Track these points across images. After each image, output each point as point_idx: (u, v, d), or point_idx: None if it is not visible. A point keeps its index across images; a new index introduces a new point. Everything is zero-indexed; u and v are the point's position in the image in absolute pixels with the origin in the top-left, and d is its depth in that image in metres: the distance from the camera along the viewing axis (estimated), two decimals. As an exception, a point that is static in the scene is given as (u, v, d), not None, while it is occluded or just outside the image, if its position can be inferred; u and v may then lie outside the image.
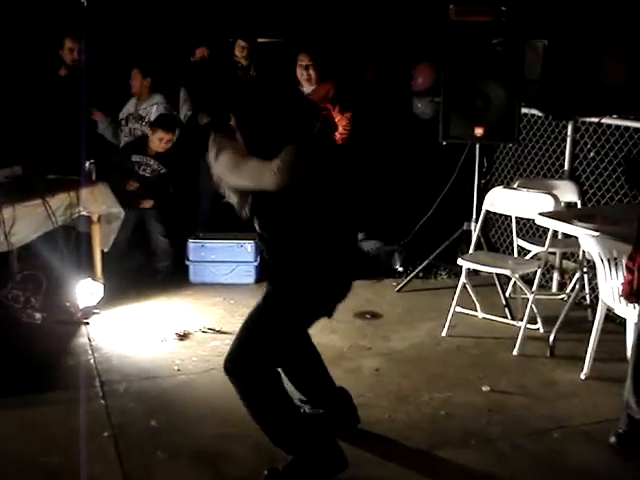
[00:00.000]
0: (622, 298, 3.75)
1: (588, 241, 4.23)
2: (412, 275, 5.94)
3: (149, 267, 6.07)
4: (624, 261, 3.82)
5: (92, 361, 4.58)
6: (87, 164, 5.38)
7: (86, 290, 5.28)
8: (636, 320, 3.94)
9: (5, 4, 6.09)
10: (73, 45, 5.99)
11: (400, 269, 6.24)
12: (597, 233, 4.15)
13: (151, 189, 5.98)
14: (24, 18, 6.15)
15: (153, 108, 6.14)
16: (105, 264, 5.52)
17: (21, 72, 5.99)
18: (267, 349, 3.30)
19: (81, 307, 5.22)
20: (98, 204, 5.40)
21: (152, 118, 6.10)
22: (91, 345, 4.80)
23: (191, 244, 5.99)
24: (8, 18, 6.14)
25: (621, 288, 3.69)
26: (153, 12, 6.55)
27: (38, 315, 5.03)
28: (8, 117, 5.80)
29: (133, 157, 5.98)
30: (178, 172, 6.11)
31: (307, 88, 5.95)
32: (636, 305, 3.88)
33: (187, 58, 6.34)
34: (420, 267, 5.95)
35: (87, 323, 5.12)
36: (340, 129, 5.86)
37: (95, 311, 5.27)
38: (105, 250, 5.54)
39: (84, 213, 5.32)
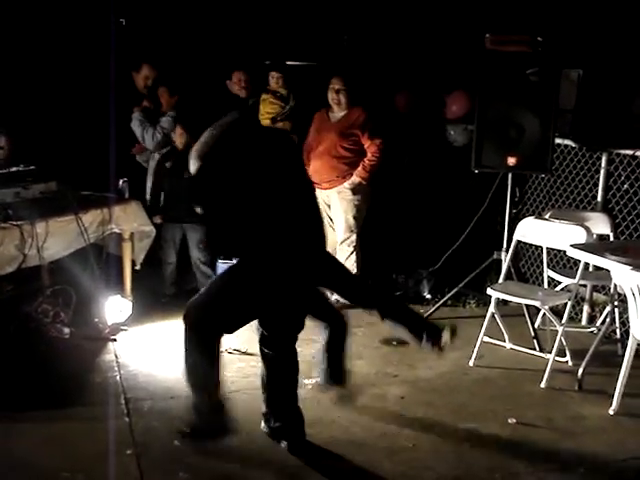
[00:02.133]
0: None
1: (620, 274, 4.18)
2: (440, 303, 5.90)
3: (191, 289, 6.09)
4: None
5: (118, 378, 4.60)
6: (120, 182, 5.44)
7: (115, 307, 5.31)
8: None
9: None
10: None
11: (428, 296, 6.21)
12: (629, 266, 4.10)
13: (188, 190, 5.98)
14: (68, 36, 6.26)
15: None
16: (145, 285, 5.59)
17: (64, 86, 6.08)
18: (224, 310, 3.72)
19: (109, 324, 5.26)
20: (130, 222, 5.45)
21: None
22: (117, 362, 4.83)
23: (220, 264, 5.99)
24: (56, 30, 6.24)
25: None
26: (188, 33, 6.62)
27: (66, 330, 5.08)
28: (46, 132, 5.89)
29: (166, 164, 6.01)
30: None
31: (337, 112, 5.98)
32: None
33: (222, 80, 6.38)
34: (449, 295, 5.91)
35: (114, 340, 5.15)
36: (369, 155, 5.87)
37: (123, 328, 5.30)
38: (137, 267, 5.59)
39: (116, 230, 5.37)
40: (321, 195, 5.98)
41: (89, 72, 6.19)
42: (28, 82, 6.04)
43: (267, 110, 6.19)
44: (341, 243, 6.01)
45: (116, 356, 4.92)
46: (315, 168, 5.96)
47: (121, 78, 5.99)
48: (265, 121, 6.13)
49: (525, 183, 6.34)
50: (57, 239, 4.91)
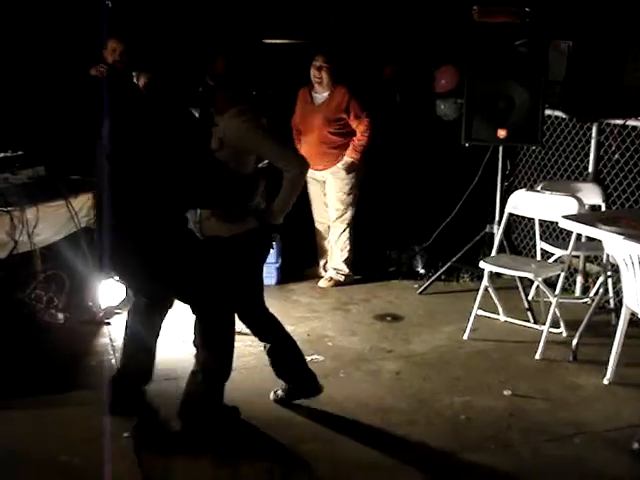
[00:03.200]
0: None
1: (612, 244, 4.18)
2: (434, 277, 5.92)
3: None
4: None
5: (114, 361, 4.60)
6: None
7: (108, 290, 5.30)
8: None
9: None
10: (116, 46, 6.00)
11: (422, 271, 6.22)
12: (621, 236, 4.11)
13: None
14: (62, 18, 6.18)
15: None
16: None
17: (50, 71, 6.01)
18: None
19: (103, 307, 5.25)
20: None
21: None
22: (113, 345, 4.83)
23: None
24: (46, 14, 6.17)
25: None
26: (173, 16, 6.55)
27: (60, 315, 5.06)
28: (32, 117, 5.83)
29: None
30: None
31: (320, 92, 5.90)
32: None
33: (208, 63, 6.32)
34: (442, 269, 5.92)
35: (109, 323, 5.15)
36: (358, 135, 5.82)
37: (117, 311, 5.29)
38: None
39: (107, 214, 5.34)
40: (316, 175, 5.96)
41: (75, 54, 6.13)
42: (12, 65, 5.97)
43: None
44: (335, 220, 6.00)
45: (111, 339, 4.91)
46: (306, 152, 5.92)
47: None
48: None
49: (516, 155, 6.32)
50: (48, 224, 4.88)
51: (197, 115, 3.95)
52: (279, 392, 4.09)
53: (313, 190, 6.06)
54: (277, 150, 3.73)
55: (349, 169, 5.87)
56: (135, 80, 4.57)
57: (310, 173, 6.02)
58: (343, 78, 5.89)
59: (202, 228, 3.84)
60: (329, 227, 6.10)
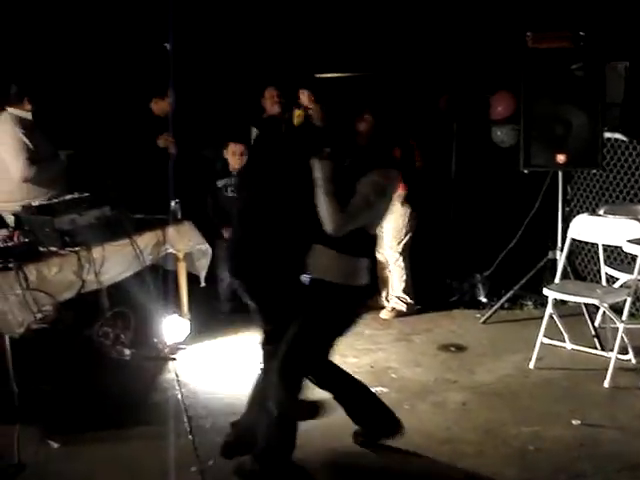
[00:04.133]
0: None
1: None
2: (497, 306, 5.85)
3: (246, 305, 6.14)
4: None
5: (179, 396, 4.65)
6: (173, 203, 5.52)
7: (173, 326, 5.39)
8: None
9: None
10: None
11: (484, 300, 6.16)
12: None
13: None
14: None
15: None
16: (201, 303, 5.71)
17: (118, 116, 6.19)
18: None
19: (168, 343, 5.33)
20: (184, 242, 5.52)
21: None
22: (178, 381, 4.88)
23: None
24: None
25: None
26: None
27: (127, 351, 5.16)
28: (98, 159, 6.01)
29: (218, 183, 6.08)
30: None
31: None
32: None
33: (255, 98, 6.43)
34: (505, 297, 5.85)
35: (174, 359, 5.22)
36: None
37: (182, 347, 5.37)
38: (202, 284, 5.67)
39: (171, 251, 5.45)
40: None
41: (137, 94, 6.30)
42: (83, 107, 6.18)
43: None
44: (388, 250, 5.97)
45: (176, 375, 4.98)
46: None
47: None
48: None
49: (576, 180, 6.24)
50: (114, 263, 4.99)
51: None
52: (359, 436, 3.98)
53: None
54: None
55: (402, 200, 5.84)
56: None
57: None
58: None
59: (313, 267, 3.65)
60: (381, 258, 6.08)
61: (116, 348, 5.17)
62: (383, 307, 6.12)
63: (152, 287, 5.61)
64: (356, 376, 4.78)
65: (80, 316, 5.19)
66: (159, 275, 5.72)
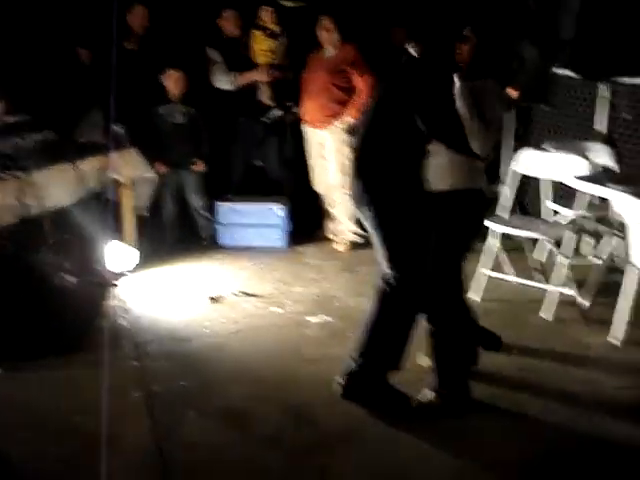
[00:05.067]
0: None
1: (623, 204, 4.16)
2: (443, 239, 5.88)
3: (192, 234, 6.11)
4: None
5: (123, 323, 4.61)
6: (117, 128, 5.39)
7: (118, 254, 5.31)
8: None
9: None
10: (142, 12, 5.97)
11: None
12: (632, 196, 4.08)
13: (188, 137, 5.94)
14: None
15: None
16: (146, 232, 5.65)
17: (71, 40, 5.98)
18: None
19: (113, 271, 5.26)
20: (129, 168, 5.42)
21: None
22: (123, 307, 4.84)
23: (220, 207, 6.00)
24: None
25: None
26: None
27: (71, 278, 5.08)
28: (39, 80, 5.80)
29: (160, 110, 5.94)
30: (210, 110, 6.06)
31: (329, 51, 5.88)
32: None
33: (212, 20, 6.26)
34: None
35: (118, 286, 5.16)
36: (358, 92, 5.77)
37: (127, 274, 5.30)
38: (145, 214, 5.60)
39: (115, 177, 5.35)
40: (315, 136, 5.94)
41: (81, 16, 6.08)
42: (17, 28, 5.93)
43: (261, 47, 6.09)
44: (336, 185, 5.95)
45: (121, 302, 4.93)
46: (307, 107, 5.93)
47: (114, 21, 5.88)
48: (261, 58, 6.06)
49: (527, 116, 6.26)
50: (56, 188, 4.89)
51: None
52: (427, 394, 3.71)
53: (312, 153, 6.03)
54: None
55: (350, 129, 5.81)
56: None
57: (308, 133, 6.03)
58: (352, 38, 5.84)
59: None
60: (330, 191, 6.07)
61: (59, 275, 5.08)
62: (329, 238, 6.14)
63: (97, 214, 5.52)
64: (300, 305, 4.85)
65: (22, 242, 5.08)
66: (103, 203, 5.63)
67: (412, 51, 3.62)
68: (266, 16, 6.07)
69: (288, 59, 6.15)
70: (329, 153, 5.95)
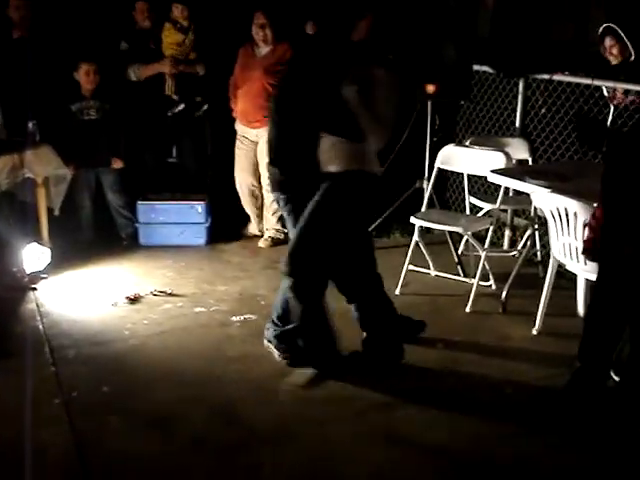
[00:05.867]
0: (584, 255, 3.74)
1: (540, 198, 4.25)
2: (365, 234, 5.91)
3: (111, 234, 5.95)
4: (580, 218, 3.87)
5: (41, 327, 4.48)
6: (30, 125, 5.22)
7: (33, 255, 5.15)
8: (588, 276, 4.00)
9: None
10: (19, 2, 5.74)
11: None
12: (548, 189, 4.17)
13: (104, 134, 5.78)
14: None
15: None
16: (63, 232, 5.48)
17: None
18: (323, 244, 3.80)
19: (28, 272, 5.10)
20: (43, 166, 5.25)
21: None
22: (39, 311, 4.70)
23: (140, 206, 5.87)
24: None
25: (582, 246, 3.72)
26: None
27: (-17, 281, 4.91)
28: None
29: (72, 107, 5.76)
30: (125, 103, 5.92)
31: (262, 48, 5.81)
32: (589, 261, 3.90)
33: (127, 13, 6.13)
34: (373, 225, 5.92)
35: (35, 289, 5.00)
36: None
37: (43, 276, 5.15)
38: (56, 213, 5.44)
39: (29, 175, 5.17)
40: (249, 134, 5.88)
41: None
42: None
43: (169, 41, 6.00)
44: (266, 182, 5.90)
45: (37, 305, 4.78)
46: (242, 108, 5.84)
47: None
48: (169, 51, 5.96)
49: (446, 111, 6.33)
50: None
51: None
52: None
53: (244, 150, 5.96)
54: None
55: None
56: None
57: (242, 132, 5.96)
58: (286, 36, 5.78)
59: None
60: (255, 189, 6.01)
61: (-29, 278, 4.90)
62: (251, 236, 6.09)
63: (9, 214, 5.34)
64: (224, 304, 4.79)
65: None
66: (16, 202, 5.44)
67: (309, 31, 3.71)
68: (177, 12, 5.97)
69: (196, 53, 6.06)
70: (262, 152, 5.88)
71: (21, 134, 5.25)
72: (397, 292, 4.97)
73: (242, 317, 4.59)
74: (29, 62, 5.30)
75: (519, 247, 5.47)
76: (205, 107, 6.06)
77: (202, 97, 6.10)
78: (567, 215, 4.04)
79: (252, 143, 5.91)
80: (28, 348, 4.16)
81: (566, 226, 4.08)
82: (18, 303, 4.81)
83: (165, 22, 6.01)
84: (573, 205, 3.97)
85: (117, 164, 5.82)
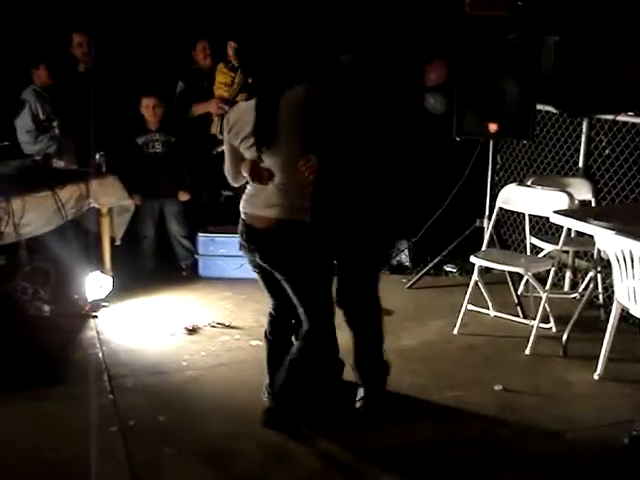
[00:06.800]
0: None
1: (603, 240, 4.17)
2: (423, 272, 5.89)
3: (171, 264, 6.04)
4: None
5: (100, 355, 4.54)
6: (97, 156, 5.35)
7: (95, 283, 5.25)
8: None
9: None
10: (81, 39, 5.95)
11: (410, 265, 6.19)
12: (612, 231, 4.10)
13: (168, 166, 5.89)
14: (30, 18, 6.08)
15: None
16: (124, 261, 5.58)
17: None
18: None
19: (90, 300, 5.20)
20: (108, 196, 5.37)
21: None
22: (99, 338, 4.77)
23: (201, 238, 5.95)
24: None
25: None
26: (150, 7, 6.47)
27: (46, 308, 5.01)
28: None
29: (139, 140, 5.89)
30: (188, 137, 6.03)
31: None
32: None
33: (186, 52, 6.27)
34: (431, 264, 5.90)
35: (95, 316, 5.09)
36: None
37: (104, 304, 5.24)
38: (117, 243, 5.54)
39: (94, 205, 5.29)
40: None
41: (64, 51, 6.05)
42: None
43: (219, 80, 6.10)
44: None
45: (97, 333, 4.86)
46: None
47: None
48: (218, 91, 6.05)
49: (507, 150, 6.30)
50: (34, 216, 4.82)
51: None
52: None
53: None
54: None
55: None
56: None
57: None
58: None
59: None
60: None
61: (35, 304, 5.00)
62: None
63: (74, 242, 5.46)
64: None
65: (-3, 270, 5.01)
66: (81, 231, 5.56)
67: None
68: (230, 50, 6.07)
69: (246, 94, 6.13)
70: None
71: (88, 165, 5.38)
72: (455, 332, 4.92)
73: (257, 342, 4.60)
74: (95, 95, 5.45)
75: (580, 289, 5.37)
76: None
77: None
78: (632, 258, 3.96)
79: None
80: (87, 375, 4.22)
81: (631, 269, 3.99)
82: (79, 330, 4.90)
83: (220, 62, 6.12)
84: (638, 248, 3.89)
85: (183, 197, 5.93)
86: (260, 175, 3.50)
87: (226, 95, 6.03)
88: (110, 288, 5.33)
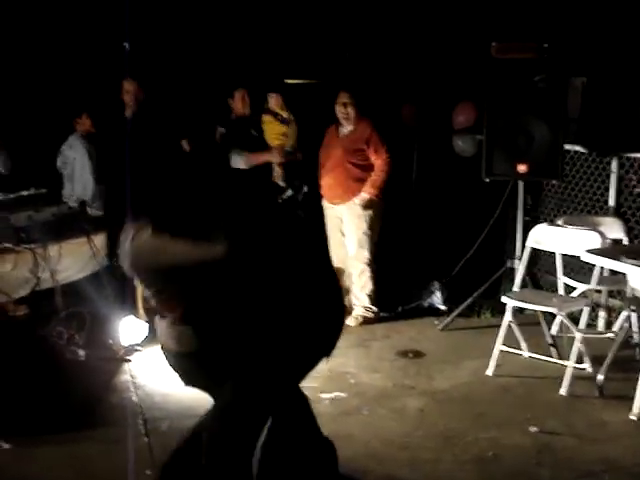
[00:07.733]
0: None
1: (636, 278, 4.15)
2: (455, 313, 5.88)
3: None
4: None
5: (135, 398, 4.58)
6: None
7: (129, 328, 5.30)
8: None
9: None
10: (129, 87, 6.12)
11: (443, 307, 6.18)
12: (646, 270, 4.08)
13: None
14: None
15: None
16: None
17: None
18: None
19: (124, 345, 5.25)
20: (142, 242, 5.44)
21: None
22: (134, 382, 4.81)
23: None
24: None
25: None
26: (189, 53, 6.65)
27: (82, 352, 5.06)
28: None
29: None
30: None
31: (346, 127, 5.98)
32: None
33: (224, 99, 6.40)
34: (464, 305, 5.88)
35: (130, 360, 5.14)
36: (376, 170, 5.85)
37: (138, 348, 5.28)
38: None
39: (128, 251, 5.36)
40: (334, 211, 6.00)
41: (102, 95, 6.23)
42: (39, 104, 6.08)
43: (275, 131, 6.16)
44: (353, 259, 5.98)
45: (132, 377, 4.90)
46: (325, 184, 6.02)
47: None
48: (276, 141, 6.13)
49: (537, 190, 6.31)
50: (70, 262, 4.92)
51: None
52: None
53: (330, 227, 6.07)
54: None
55: (365, 205, 5.87)
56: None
57: (326, 207, 6.08)
58: (368, 113, 5.94)
59: None
60: (346, 265, 6.08)
61: (70, 348, 5.07)
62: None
63: (108, 287, 5.53)
64: (313, 381, 4.79)
65: (34, 315, 5.08)
66: (116, 275, 5.63)
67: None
68: (272, 102, 6.17)
69: (297, 141, 6.24)
70: (347, 227, 5.99)
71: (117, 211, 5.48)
72: (489, 373, 4.89)
73: (332, 395, 4.59)
74: (141, 138, 5.60)
75: (615, 329, 5.31)
76: (305, 189, 6.21)
77: (300, 180, 6.26)
78: (666, 296, 3.93)
79: (336, 218, 6.01)
80: (121, 419, 4.25)
81: (665, 308, 3.96)
82: (113, 374, 4.94)
83: (262, 114, 6.21)
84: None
85: None
86: None
87: (285, 144, 6.09)
88: (144, 333, 5.38)
